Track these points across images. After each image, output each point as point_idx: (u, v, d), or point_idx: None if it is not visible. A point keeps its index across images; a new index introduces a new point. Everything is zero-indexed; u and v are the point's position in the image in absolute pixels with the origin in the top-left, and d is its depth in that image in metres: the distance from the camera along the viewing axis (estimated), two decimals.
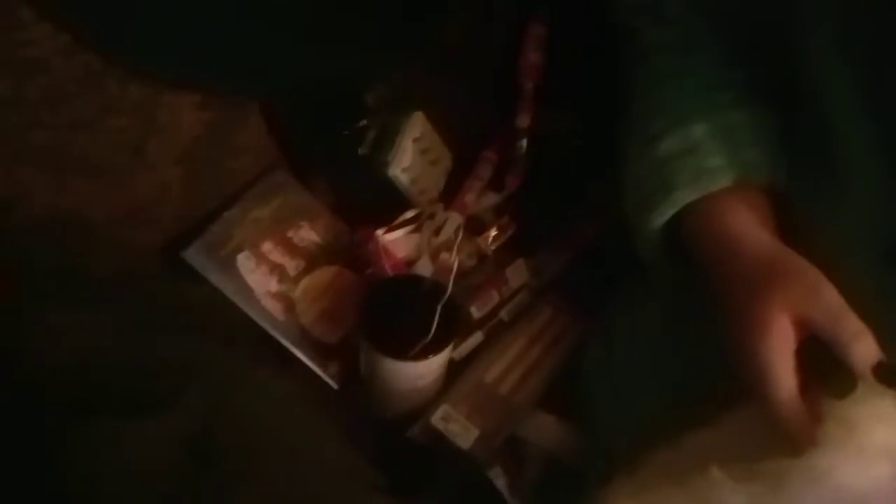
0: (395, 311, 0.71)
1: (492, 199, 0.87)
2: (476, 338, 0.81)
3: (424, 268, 0.81)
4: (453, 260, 0.74)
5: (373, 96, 0.83)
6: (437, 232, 0.83)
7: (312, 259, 0.79)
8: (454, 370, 0.77)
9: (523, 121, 0.88)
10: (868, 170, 0.53)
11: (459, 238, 0.77)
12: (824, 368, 0.47)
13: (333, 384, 0.76)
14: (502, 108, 0.88)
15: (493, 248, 0.85)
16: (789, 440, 0.47)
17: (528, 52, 0.86)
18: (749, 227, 0.55)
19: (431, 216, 0.84)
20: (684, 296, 0.62)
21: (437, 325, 0.68)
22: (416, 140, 0.83)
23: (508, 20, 0.86)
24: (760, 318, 0.48)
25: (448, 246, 0.81)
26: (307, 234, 0.79)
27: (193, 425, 0.56)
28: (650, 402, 0.66)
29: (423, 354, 0.68)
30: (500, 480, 0.68)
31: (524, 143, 0.88)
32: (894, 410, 0.46)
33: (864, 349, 0.46)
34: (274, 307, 0.75)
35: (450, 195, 0.87)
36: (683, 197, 0.58)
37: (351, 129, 0.80)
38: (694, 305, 0.59)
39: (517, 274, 0.85)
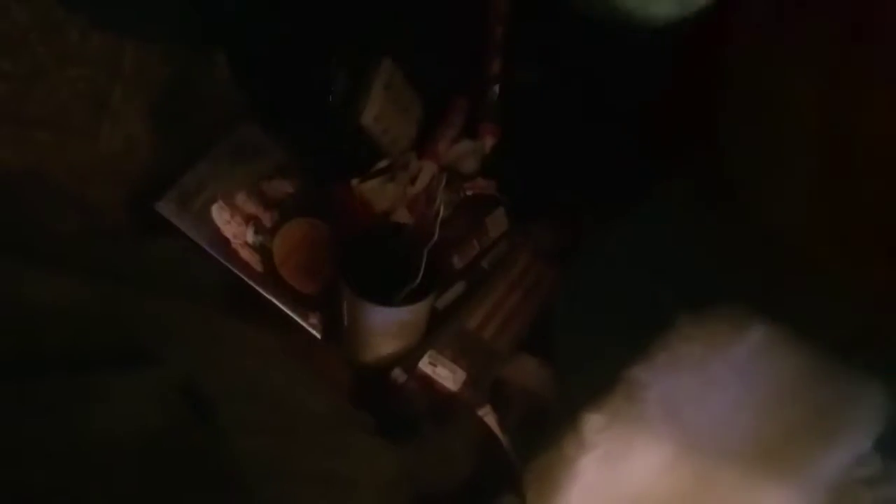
0: (378, 258, 0.70)
1: (466, 146, 0.86)
2: (458, 287, 0.80)
3: (401, 218, 0.80)
4: (439, 204, 0.73)
5: (339, 43, 0.80)
6: (412, 181, 0.81)
7: (286, 210, 0.77)
8: (437, 319, 0.77)
9: (494, 67, 0.87)
10: None
11: (443, 184, 0.76)
12: None
13: (317, 334, 0.75)
14: (472, 55, 0.87)
15: (467, 195, 0.84)
16: None
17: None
18: None
19: (404, 166, 0.82)
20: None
21: (423, 269, 0.67)
22: (386, 88, 0.81)
23: None
24: None
25: (425, 195, 0.80)
26: (280, 186, 0.77)
27: (183, 378, 0.54)
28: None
29: (409, 299, 0.68)
30: (490, 418, 0.69)
31: (496, 89, 0.87)
32: None
33: None
34: (251, 258, 0.73)
35: (422, 144, 0.86)
36: None
37: (319, 78, 0.77)
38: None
39: (497, 224, 0.85)
